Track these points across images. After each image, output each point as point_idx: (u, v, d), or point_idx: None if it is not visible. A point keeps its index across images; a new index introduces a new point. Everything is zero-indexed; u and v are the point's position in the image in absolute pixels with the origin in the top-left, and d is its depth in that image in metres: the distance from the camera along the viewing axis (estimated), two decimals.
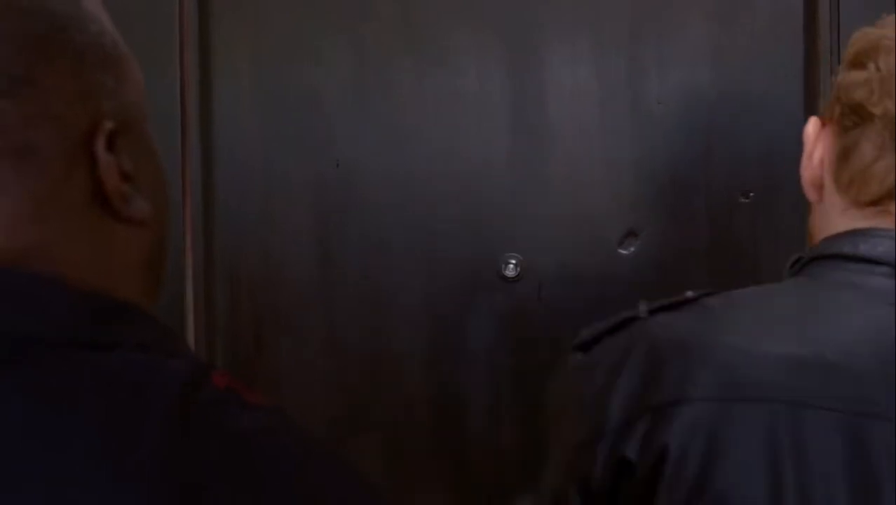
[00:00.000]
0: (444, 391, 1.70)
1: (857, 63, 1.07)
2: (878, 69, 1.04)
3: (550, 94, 1.68)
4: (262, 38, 1.71)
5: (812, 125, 1.12)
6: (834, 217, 1.08)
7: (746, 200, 1.66)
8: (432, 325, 1.70)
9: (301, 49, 1.70)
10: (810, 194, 1.13)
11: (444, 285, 1.68)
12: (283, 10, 1.71)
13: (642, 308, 1.06)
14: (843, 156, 1.07)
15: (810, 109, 1.62)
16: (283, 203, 1.71)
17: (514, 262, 1.64)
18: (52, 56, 0.76)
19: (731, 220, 1.66)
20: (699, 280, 1.66)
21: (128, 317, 0.75)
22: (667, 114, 1.65)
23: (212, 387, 0.72)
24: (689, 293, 1.07)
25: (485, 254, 1.67)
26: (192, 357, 0.76)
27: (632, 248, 1.66)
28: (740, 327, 0.99)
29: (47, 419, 0.67)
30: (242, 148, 1.71)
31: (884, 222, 1.05)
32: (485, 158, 1.68)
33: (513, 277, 1.65)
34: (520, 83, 1.69)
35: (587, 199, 1.66)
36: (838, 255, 1.05)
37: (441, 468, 1.72)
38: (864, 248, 1.03)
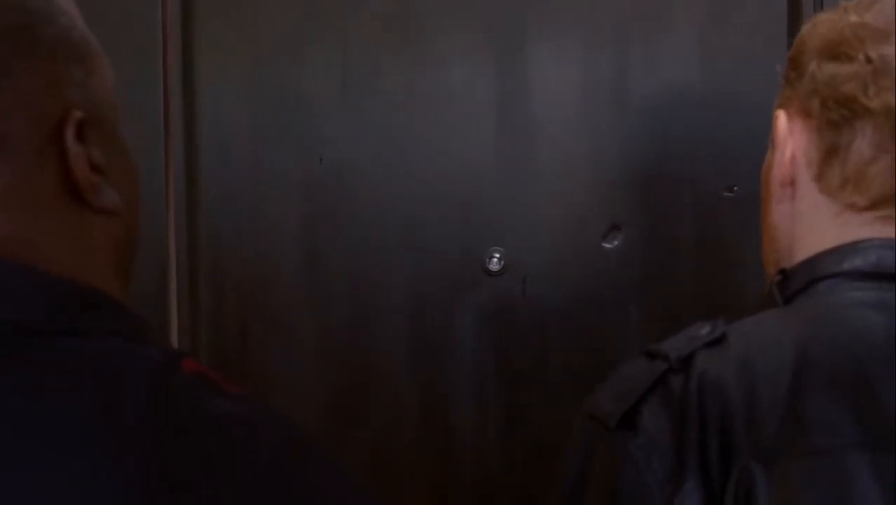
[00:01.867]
0: (429, 386, 1.71)
1: (837, 54, 0.99)
2: (868, 60, 0.97)
3: (536, 90, 1.68)
4: (246, 36, 1.70)
5: (783, 121, 1.05)
6: (821, 221, 1.01)
7: (730, 195, 1.66)
8: (417, 318, 1.70)
9: (286, 47, 1.70)
10: (777, 193, 1.05)
11: (428, 279, 1.68)
12: (268, 9, 1.71)
13: (672, 356, 0.94)
14: (832, 154, 0.99)
15: None
16: (268, 200, 1.71)
17: (497, 256, 1.64)
18: (24, 48, 0.77)
19: (714, 214, 1.67)
20: (683, 274, 1.67)
21: (99, 305, 0.76)
22: (652, 110, 1.66)
23: (185, 374, 0.73)
24: (704, 331, 0.97)
25: (469, 248, 1.67)
26: (163, 345, 0.77)
27: (616, 243, 1.66)
28: (795, 375, 0.90)
29: (30, 410, 0.67)
30: (227, 145, 1.70)
31: (884, 230, 0.98)
32: (471, 153, 1.69)
33: (497, 272, 1.65)
34: (506, 79, 1.69)
35: (571, 193, 1.67)
36: (851, 271, 0.97)
37: (426, 464, 1.72)
38: (875, 262, 0.97)
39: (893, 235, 0.97)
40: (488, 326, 1.68)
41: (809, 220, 1.02)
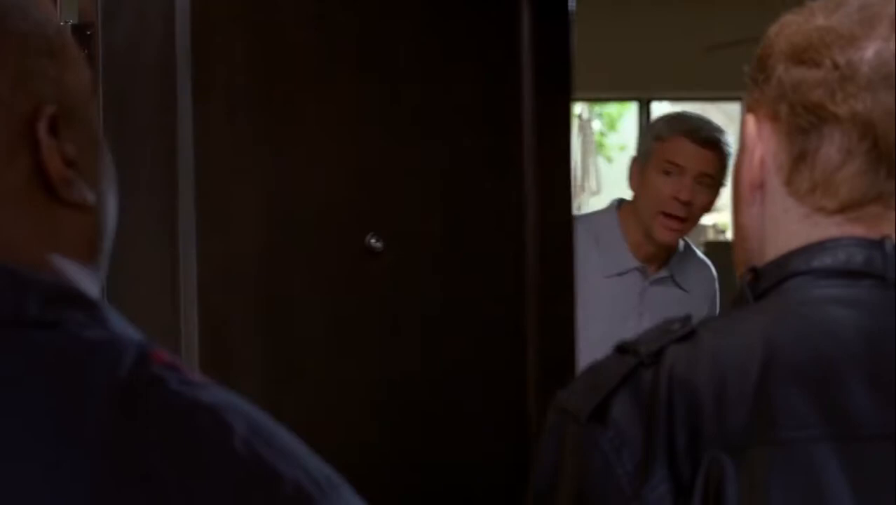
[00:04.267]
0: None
1: (804, 59, 1.00)
2: (835, 66, 0.99)
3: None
4: None
5: (752, 125, 1.05)
6: (791, 223, 1.02)
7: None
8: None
9: None
10: (746, 195, 1.06)
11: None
12: None
13: (642, 350, 0.96)
14: (800, 159, 1.01)
15: None
16: None
17: (376, 237, 1.72)
18: None
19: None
20: None
21: (68, 298, 0.77)
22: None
23: (154, 364, 0.74)
24: (675, 326, 0.98)
25: (351, 231, 1.75)
26: (132, 336, 0.78)
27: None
28: (765, 366, 0.93)
29: (5, 403, 0.70)
30: None
31: (853, 230, 1.00)
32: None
33: (378, 250, 1.74)
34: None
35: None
36: (821, 269, 0.99)
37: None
38: (844, 260, 0.98)
39: (862, 234, 0.99)
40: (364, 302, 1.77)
41: (779, 223, 1.04)
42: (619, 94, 10.72)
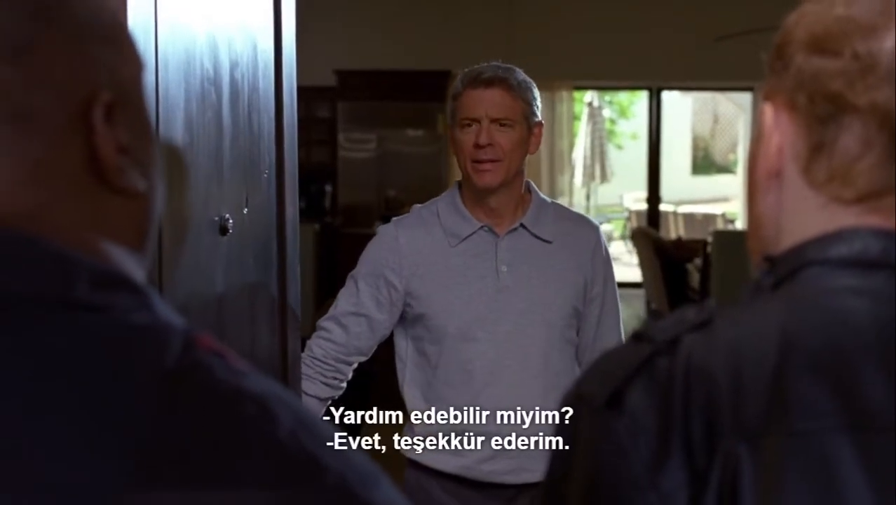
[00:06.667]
0: None
1: (824, 49, 0.99)
2: (855, 57, 0.97)
3: None
4: None
5: (769, 113, 1.04)
6: (808, 212, 1.02)
7: (266, 175, 1.91)
8: None
9: None
10: (762, 184, 1.05)
11: None
12: None
13: (658, 338, 0.96)
14: (818, 149, 0.99)
15: None
16: None
17: (227, 214, 1.72)
18: (54, 26, 0.78)
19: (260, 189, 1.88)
20: None
21: (117, 282, 0.77)
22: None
23: (200, 350, 0.74)
24: (692, 315, 0.97)
25: (206, 209, 1.75)
26: (177, 322, 0.77)
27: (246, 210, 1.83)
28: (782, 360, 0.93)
29: (34, 385, 0.70)
30: None
31: (870, 220, 0.98)
32: None
33: (225, 228, 1.75)
34: None
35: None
36: (836, 259, 0.98)
37: None
38: (860, 249, 0.97)
39: (879, 225, 0.98)
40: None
41: (795, 211, 1.03)
42: (630, 83, 10.74)
